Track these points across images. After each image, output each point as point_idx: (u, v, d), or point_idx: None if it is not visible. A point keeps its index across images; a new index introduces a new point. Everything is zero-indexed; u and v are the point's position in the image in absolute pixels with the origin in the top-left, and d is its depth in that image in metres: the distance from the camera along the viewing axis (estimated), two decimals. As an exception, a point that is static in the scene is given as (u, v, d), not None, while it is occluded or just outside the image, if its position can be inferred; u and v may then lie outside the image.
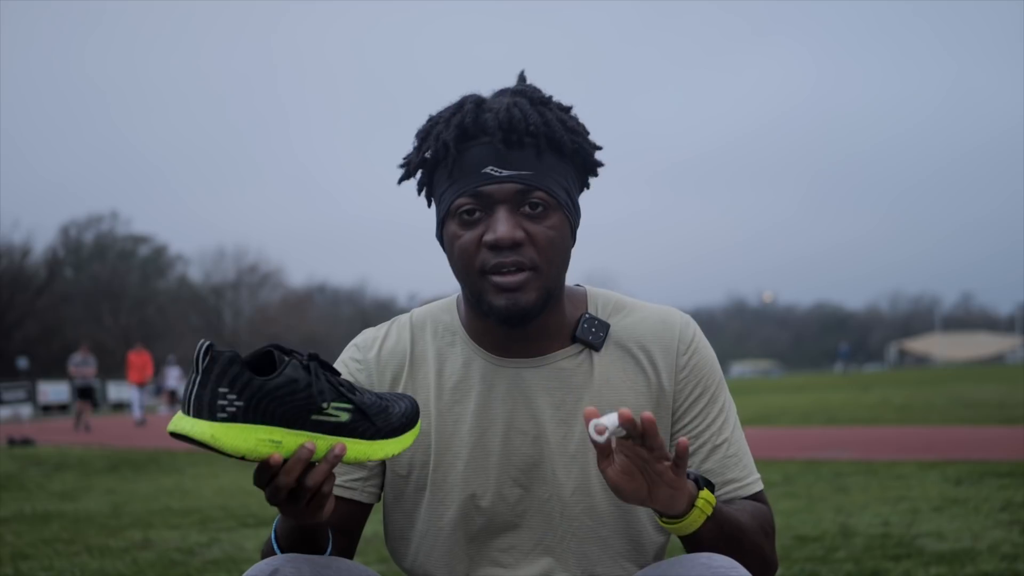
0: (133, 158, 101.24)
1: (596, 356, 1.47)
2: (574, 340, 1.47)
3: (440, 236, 1.44)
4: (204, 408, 1.12)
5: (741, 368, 74.40)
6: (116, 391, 32.89)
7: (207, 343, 1.13)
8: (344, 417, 1.20)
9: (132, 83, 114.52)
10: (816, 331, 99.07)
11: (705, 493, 1.29)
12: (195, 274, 58.07)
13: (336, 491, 1.46)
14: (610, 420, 1.18)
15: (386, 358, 1.50)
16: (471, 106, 1.39)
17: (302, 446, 1.16)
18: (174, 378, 27.30)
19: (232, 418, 1.13)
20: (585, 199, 1.49)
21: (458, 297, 1.53)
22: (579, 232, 1.46)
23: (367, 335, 1.54)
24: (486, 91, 1.44)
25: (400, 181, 1.47)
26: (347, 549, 1.48)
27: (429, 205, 1.48)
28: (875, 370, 65.26)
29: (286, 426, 1.16)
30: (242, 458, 1.14)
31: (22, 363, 34.49)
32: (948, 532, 4.65)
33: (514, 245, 1.35)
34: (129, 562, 4.65)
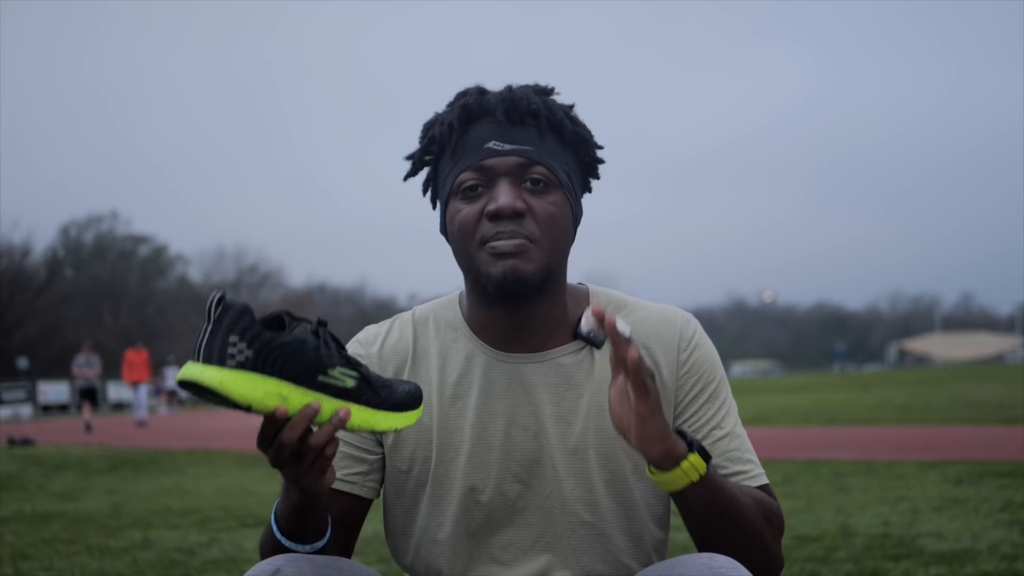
0: (133, 158, 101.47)
1: (597, 354, 1.47)
2: (575, 337, 1.47)
3: (443, 227, 1.45)
4: (214, 354, 1.11)
5: (741, 368, 74.39)
6: (116, 391, 32.85)
7: (220, 293, 1.13)
8: (350, 383, 1.19)
9: (132, 83, 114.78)
10: (816, 331, 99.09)
11: (694, 457, 1.26)
12: (195, 274, 58.14)
13: (336, 485, 1.46)
14: (585, 315, 1.26)
15: (388, 354, 1.50)
16: (475, 91, 1.42)
17: (308, 405, 1.16)
18: (174, 378, 27.21)
19: (241, 366, 1.11)
20: (585, 199, 1.49)
21: (460, 293, 1.53)
22: (579, 232, 1.46)
23: (369, 331, 1.54)
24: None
25: (406, 178, 1.48)
26: (346, 543, 1.48)
27: (434, 207, 1.48)
28: (875, 370, 65.25)
29: (293, 382, 1.15)
30: (248, 409, 1.12)
31: (22, 363, 34.50)
32: (948, 532, 4.65)
33: (515, 215, 1.35)
34: (129, 562, 4.65)
